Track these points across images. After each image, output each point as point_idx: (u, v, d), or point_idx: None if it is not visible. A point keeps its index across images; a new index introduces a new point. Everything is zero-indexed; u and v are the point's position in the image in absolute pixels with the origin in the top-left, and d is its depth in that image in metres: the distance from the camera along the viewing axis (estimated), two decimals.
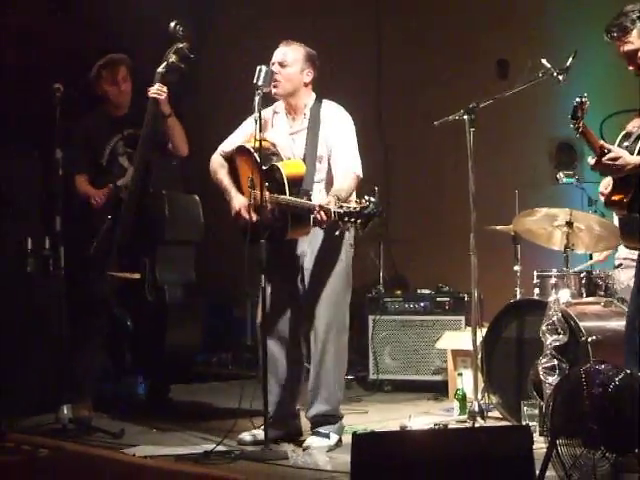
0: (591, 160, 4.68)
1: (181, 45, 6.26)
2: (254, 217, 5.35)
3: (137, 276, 6.35)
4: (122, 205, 6.42)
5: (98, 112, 6.69)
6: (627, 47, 4.70)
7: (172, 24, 6.22)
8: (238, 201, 5.51)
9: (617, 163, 4.60)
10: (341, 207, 4.92)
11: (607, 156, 4.59)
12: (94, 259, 6.43)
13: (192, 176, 6.52)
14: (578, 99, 4.55)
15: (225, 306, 8.39)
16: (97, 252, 6.42)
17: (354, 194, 5.36)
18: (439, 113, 6.10)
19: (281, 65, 5.50)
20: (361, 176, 5.45)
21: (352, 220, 4.90)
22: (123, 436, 5.62)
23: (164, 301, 6.38)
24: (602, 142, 4.63)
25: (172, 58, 6.27)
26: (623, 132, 4.77)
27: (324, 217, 5.01)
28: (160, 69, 6.31)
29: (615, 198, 4.75)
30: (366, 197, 4.91)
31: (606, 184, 4.86)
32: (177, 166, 6.56)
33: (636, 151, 4.66)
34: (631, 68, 4.75)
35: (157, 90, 6.29)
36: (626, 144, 4.70)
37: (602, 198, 4.94)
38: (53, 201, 5.85)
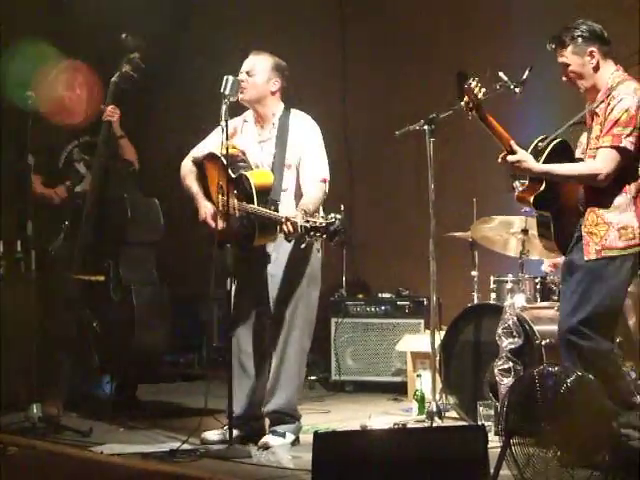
0: (501, 157, 4.89)
1: (132, 55, 6.38)
2: (220, 224, 5.44)
3: (101, 278, 6.42)
4: (83, 211, 6.46)
5: (55, 120, 6.60)
6: (560, 59, 4.96)
7: (123, 35, 6.33)
8: (205, 209, 5.60)
9: (521, 166, 4.83)
10: (307, 221, 5.05)
11: (510, 157, 4.81)
12: (56, 260, 6.50)
13: (157, 182, 6.65)
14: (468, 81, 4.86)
15: (192, 307, 8.43)
16: (59, 254, 6.50)
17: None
18: (401, 123, 6.21)
19: (248, 73, 5.62)
20: (328, 178, 5.56)
21: (318, 234, 5.04)
22: (91, 435, 5.69)
23: (130, 301, 6.45)
24: (512, 142, 4.83)
25: (125, 68, 6.39)
26: (542, 136, 4.98)
27: (291, 229, 5.14)
28: (114, 79, 6.42)
29: (524, 194, 4.96)
30: (332, 214, 5.05)
31: None
32: (133, 172, 6.65)
33: (546, 152, 4.87)
34: (564, 79, 5.00)
35: (110, 111, 6.41)
36: (540, 144, 4.91)
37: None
38: (24, 205, 5.95)
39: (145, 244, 6.65)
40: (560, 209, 4.97)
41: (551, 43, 4.97)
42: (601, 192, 4.82)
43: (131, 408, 6.47)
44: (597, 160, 4.80)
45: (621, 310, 5.07)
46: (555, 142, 4.94)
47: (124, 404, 6.52)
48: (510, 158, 4.81)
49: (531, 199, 4.93)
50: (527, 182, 4.96)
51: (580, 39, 4.90)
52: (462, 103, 4.83)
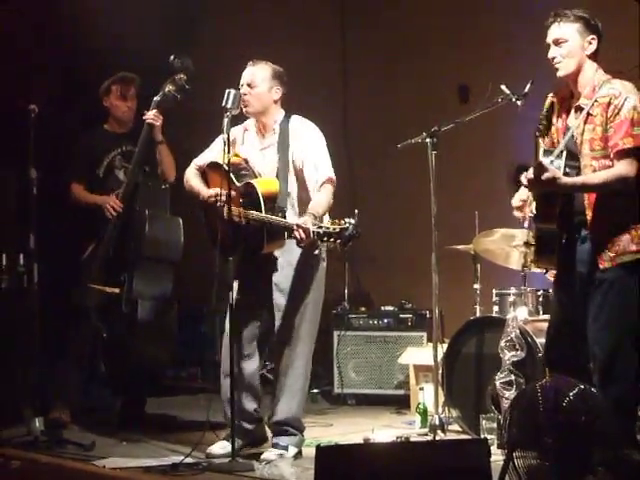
0: (525, 177, 4.77)
1: (178, 76, 6.42)
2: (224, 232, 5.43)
3: (117, 291, 6.43)
4: (110, 221, 6.51)
5: (101, 127, 6.81)
6: (559, 34, 4.83)
7: (171, 57, 6.35)
8: (209, 191, 5.60)
9: (555, 183, 4.68)
10: (320, 227, 5.05)
11: (545, 175, 4.66)
12: (86, 268, 6.53)
13: (175, 199, 6.67)
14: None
15: (194, 321, 8.43)
16: (88, 262, 6.53)
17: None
18: (403, 136, 6.22)
19: (250, 86, 5.62)
20: (334, 179, 5.55)
21: (332, 240, 5.04)
22: (94, 448, 5.69)
23: (136, 315, 6.45)
24: (540, 160, 4.73)
25: (168, 88, 6.42)
26: (543, 148, 4.88)
27: (303, 236, 5.13)
28: (157, 97, 6.46)
29: (544, 211, 4.83)
30: (346, 219, 5.05)
31: (520, 200, 5.01)
32: (167, 190, 6.67)
33: (562, 168, 4.75)
34: (551, 56, 4.87)
35: (153, 116, 6.44)
36: (551, 159, 4.78)
37: (518, 214, 5.05)
38: (27, 219, 5.96)
39: (161, 261, 6.61)
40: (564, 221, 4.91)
41: (557, 16, 4.87)
42: (610, 197, 4.74)
43: (137, 422, 6.45)
44: (624, 164, 4.69)
45: None
46: (564, 154, 4.81)
47: (132, 418, 6.52)
48: (546, 176, 4.66)
49: (555, 214, 4.83)
50: (533, 200, 4.88)
51: (589, 22, 4.85)
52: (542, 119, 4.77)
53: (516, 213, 5.08)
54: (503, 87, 5.58)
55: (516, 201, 5.07)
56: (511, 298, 6.22)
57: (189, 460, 5.28)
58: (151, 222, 6.50)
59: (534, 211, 4.90)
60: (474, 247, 6.56)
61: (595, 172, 4.77)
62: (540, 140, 4.77)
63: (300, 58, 8.01)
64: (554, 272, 5.06)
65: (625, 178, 4.68)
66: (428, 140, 6.03)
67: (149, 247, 6.50)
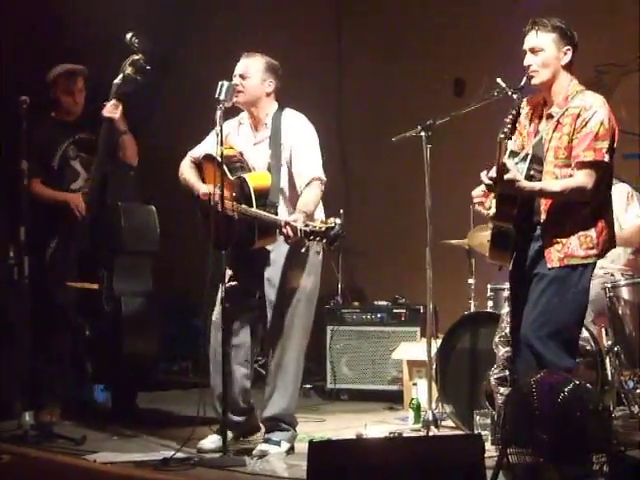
0: (486, 176, 4.85)
1: (137, 57, 6.31)
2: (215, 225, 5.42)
3: (95, 286, 6.40)
4: (79, 216, 6.44)
5: (49, 117, 6.69)
6: (535, 42, 4.91)
7: (128, 35, 6.26)
8: (204, 187, 5.57)
9: (514, 185, 4.76)
10: (307, 225, 5.03)
11: (506, 176, 4.73)
12: (51, 266, 6.45)
13: (150, 187, 6.61)
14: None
15: (185, 315, 8.40)
16: (54, 259, 6.45)
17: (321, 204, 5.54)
18: (397, 129, 6.20)
19: (242, 77, 5.60)
20: (324, 179, 5.53)
21: (318, 239, 5.01)
22: (84, 443, 5.66)
23: (120, 312, 6.43)
24: (503, 161, 4.77)
25: (128, 70, 6.32)
26: (510, 150, 4.91)
27: (290, 233, 5.11)
28: (116, 81, 6.35)
29: (503, 210, 4.89)
30: (332, 218, 5.03)
31: (481, 189, 5.06)
32: (133, 177, 6.60)
33: (524, 171, 4.83)
34: (526, 63, 4.97)
35: (111, 109, 6.33)
36: (516, 161, 4.87)
37: (481, 208, 5.11)
38: (18, 210, 5.92)
39: (140, 254, 6.58)
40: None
41: (535, 24, 4.94)
42: (564, 203, 4.85)
43: (128, 416, 6.42)
44: (582, 175, 4.80)
45: (583, 322, 5.07)
46: (529, 158, 4.89)
47: (122, 412, 6.49)
48: (507, 177, 4.73)
49: (513, 214, 4.90)
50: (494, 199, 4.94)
51: (565, 33, 4.93)
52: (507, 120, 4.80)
53: (476, 201, 5.12)
54: (499, 80, 5.57)
55: (477, 191, 5.11)
56: (506, 293, 6.15)
57: (180, 455, 5.26)
58: (126, 215, 6.45)
59: (493, 209, 4.97)
60: (469, 242, 6.56)
61: (556, 179, 4.87)
62: (504, 143, 4.78)
63: (295, 49, 8.00)
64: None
65: (582, 189, 4.80)
66: (423, 133, 6.02)
67: (127, 242, 6.46)
